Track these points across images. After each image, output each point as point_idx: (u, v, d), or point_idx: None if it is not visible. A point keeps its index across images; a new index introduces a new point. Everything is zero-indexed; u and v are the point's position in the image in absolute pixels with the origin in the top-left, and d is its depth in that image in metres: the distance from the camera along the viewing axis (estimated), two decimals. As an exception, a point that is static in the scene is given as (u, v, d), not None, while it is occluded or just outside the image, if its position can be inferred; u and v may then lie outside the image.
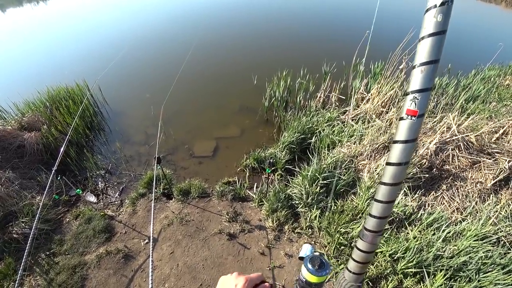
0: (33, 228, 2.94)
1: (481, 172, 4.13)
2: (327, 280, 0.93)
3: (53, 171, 3.14)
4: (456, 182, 3.99)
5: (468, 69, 7.36)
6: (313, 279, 0.80)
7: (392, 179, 0.64)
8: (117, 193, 4.20)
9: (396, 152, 0.61)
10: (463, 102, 5.46)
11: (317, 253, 0.85)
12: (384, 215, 0.69)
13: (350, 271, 0.81)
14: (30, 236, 2.90)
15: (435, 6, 0.54)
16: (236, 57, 8.42)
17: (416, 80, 0.59)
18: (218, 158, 4.83)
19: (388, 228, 3.09)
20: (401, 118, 0.62)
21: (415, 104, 0.58)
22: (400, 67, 4.54)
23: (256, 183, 4.04)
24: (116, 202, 4.02)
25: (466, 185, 3.97)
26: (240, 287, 0.67)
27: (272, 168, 3.16)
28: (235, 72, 7.47)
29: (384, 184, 0.65)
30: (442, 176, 4.07)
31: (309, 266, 0.80)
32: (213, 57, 8.42)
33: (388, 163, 0.65)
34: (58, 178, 3.55)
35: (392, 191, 0.64)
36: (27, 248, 2.71)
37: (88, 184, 4.30)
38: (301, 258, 1.07)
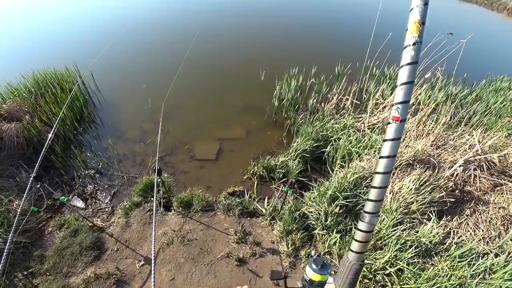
0: (9, 241, 2.48)
1: (503, 196, 3.89)
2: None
3: (31, 177, 2.63)
4: (478, 206, 3.73)
5: (479, 78, 7.07)
6: (316, 277, 0.94)
7: (384, 169, 0.86)
8: (108, 198, 3.73)
9: (386, 148, 0.84)
10: (480, 116, 5.19)
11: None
12: (379, 198, 0.89)
13: (353, 251, 0.92)
14: (5, 251, 2.46)
15: (409, 44, 0.75)
16: (242, 49, 7.86)
17: (399, 95, 0.81)
18: (221, 162, 4.39)
19: (416, 261, 2.78)
20: (389, 123, 0.82)
21: (398, 112, 0.81)
22: (426, 76, 4.16)
23: (266, 196, 3.66)
24: (106, 209, 3.56)
25: (489, 210, 3.73)
26: None
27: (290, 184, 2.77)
28: (240, 65, 6.94)
29: (378, 173, 0.87)
30: (464, 198, 3.80)
31: (313, 266, 0.94)
32: (217, 47, 7.83)
33: (381, 157, 0.85)
34: (38, 186, 3.02)
35: (385, 179, 0.86)
36: (0, 266, 2.26)
37: (75, 185, 3.81)
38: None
